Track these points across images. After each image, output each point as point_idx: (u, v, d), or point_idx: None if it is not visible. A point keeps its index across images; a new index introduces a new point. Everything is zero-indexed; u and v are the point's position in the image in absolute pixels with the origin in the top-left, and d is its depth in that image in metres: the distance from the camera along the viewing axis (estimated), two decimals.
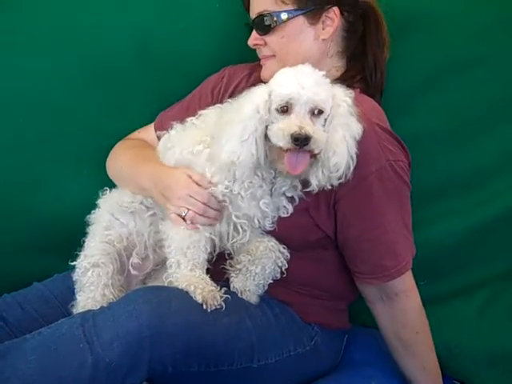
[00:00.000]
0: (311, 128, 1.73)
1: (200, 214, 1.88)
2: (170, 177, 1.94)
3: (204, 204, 1.88)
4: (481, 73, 2.26)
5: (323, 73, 1.83)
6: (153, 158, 2.06)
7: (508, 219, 2.31)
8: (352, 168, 1.79)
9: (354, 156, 1.78)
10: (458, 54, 2.26)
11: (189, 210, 1.88)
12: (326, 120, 1.79)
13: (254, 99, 1.83)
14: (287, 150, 1.75)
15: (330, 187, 1.81)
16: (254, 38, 2.04)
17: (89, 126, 2.41)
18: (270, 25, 1.98)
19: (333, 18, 1.99)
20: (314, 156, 1.77)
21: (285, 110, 1.77)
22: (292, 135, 1.72)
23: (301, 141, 1.71)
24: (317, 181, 1.80)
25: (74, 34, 2.38)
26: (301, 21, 1.98)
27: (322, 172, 1.79)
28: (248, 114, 1.81)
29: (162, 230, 1.94)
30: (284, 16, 1.97)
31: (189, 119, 2.04)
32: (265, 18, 1.99)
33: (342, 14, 2.00)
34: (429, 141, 2.26)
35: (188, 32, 2.36)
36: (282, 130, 1.75)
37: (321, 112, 1.77)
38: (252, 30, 2.04)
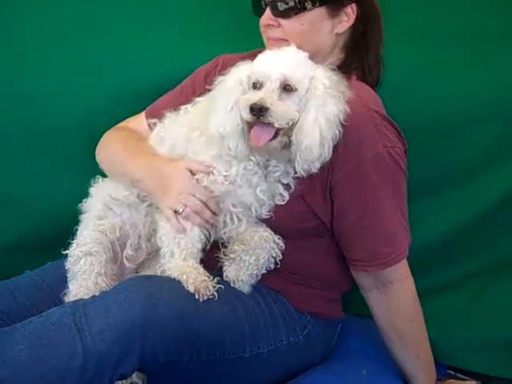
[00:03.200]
0: (271, 101, 1.74)
1: (197, 213, 1.88)
2: (171, 170, 1.93)
3: (203, 203, 1.88)
4: (475, 68, 2.27)
5: (306, 54, 1.84)
6: (148, 151, 2.04)
7: (495, 214, 2.33)
8: (330, 150, 1.78)
9: (330, 138, 1.77)
10: (453, 49, 2.28)
11: (186, 206, 1.87)
12: (301, 100, 1.79)
13: (237, 73, 1.86)
14: (254, 124, 1.77)
15: (314, 171, 1.80)
16: (268, 18, 1.99)
17: (80, 119, 2.44)
18: (293, 9, 1.95)
19: (349, 14, 1.98)
20: (286, 135, 1.79)
21: (258, 85, 1.79)
22: (250, 105, 1.74)
23: (256, 111, 1.73)
24: (298, 165, 1.80)
25: (67, 30, 2.43)
26: (322, 12, 1.96)
27: (300, 156, 1.78)
28: (230, 86, 1.85)
29: (156, 220, 1.94)
30: (309, 4, 1.95)
31: (183, 107, 2.03)
32: (289, 2, 1.95)
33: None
34: (421, 134, 2.26)
35: None
36: (244, 101, 1.77)
37: (292, 89, 1.78)
38: (263, 8, 1.99)
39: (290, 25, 1.97)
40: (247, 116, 1.76)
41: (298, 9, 1.95)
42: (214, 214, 1.90)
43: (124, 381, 1.86)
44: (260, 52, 1.95)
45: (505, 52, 2.32)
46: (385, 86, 2.07)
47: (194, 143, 1.93)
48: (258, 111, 1.73)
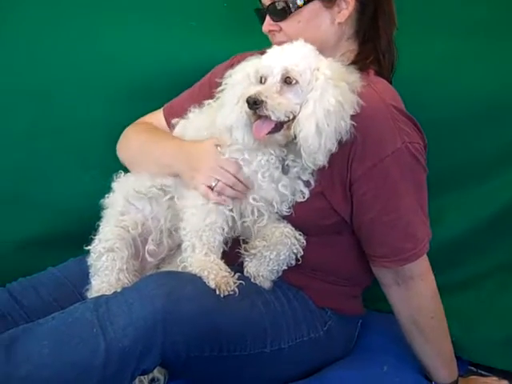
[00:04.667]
0: (268, 94, 1.75)
1: (229, 186, 1.89)
2: (198, 148, 1.95)
3: (233, 176, 1.89)
4: (494, 60, 2.25)
5: (313, 47, 1.84)
6: (172, 137, 2.08)
7: None
8: (332, 141, 1.77)
9: (330, 129, 1.76)
10: (470, 42, 2.26)
11: (219, 180, 1.88)
12: (302, 92, 1.79)
13: (245, 67, 1.88)
14: (258, 118, 1.79)
15: (320, 163, 1.81)
16: (268, 25, 2.00)
17: (100, 116, 2.47)
18: (285, 10, 1.95)
19: (348, 1, 1.95)
20: (288, 128, 1.79)
21: (262, 80, 1.81)
22: (246, 98, 1.76)
23: (251, 104, 1.75)
24: (303, 158, 1.81)
25: (87, 29, 2.46)
26: (317, 5, 1.95)
27: (303, 149, 1.79)
28: (238, 80, 1.87)
29: (179, 208, 1.94)
30: (300, 1, 1.94)
31: (206, 102, 2.04)
32: (279, 4, 1.95)
33: None
34: (440, 130, 2.25)
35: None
36: (243, 95, 1.79)
37: (294, 82, 1.78)
38: (264, 16, 2.01)
39: (288, 26, 1.97)
40: (246, 109, 1.78)
41: (290, 8, 1.94)
42: (244, 185, 1.90)
43: (146, 376, 1.89)
44: None
45: None
46: (403, 80, 2.06)
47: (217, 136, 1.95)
48: (253, 104, 1.75)
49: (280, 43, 1.93)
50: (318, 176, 1.88)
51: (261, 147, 1.86)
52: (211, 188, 1.89)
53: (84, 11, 2.47)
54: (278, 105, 1.76)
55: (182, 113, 2.09)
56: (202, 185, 1.90)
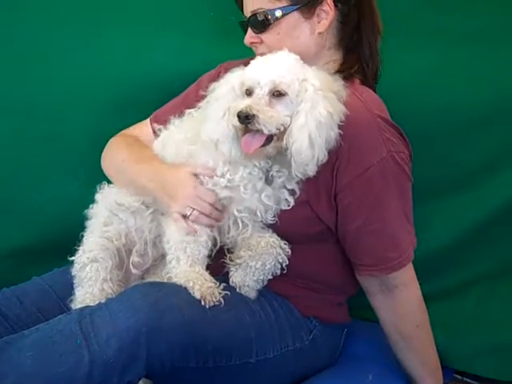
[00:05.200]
0: (259, 107, 1.74)
1: (206, 215, 1.88)
2: (175, 176, 1.93)
3: (210, 205, 1.88)
4: (478, 70, 2.26)
5: (297, 57, 1.84)
6: (152, 158, 2.05)
7: (501, 217, 2.34)
8: (323, 152, 1.77)
9: (321, 140, 1.76)
10: (455, 52, 2.27)
11: (193, 209, 1.88)
12: (292, 104, 1.79)
13: (230, 79, 1.87)
14: (247, 131, 1.77)
15: (311, 174, 1.80)
16: (250, 37, 2.01)
17: (87, 126, 2.47)
18: (264, 23, 1.95)
19: (327, 11, 1.95)
20: (281, 140, 1.78)
21: (250, 92, 1.80)
22: (237, 113, 1.74)
23: (242, 118, 1.73)
24: (294, 169, 1.80)
25: (73, 39, 2.45)
26: (296, 16, 1.95)
27: (293, 159, 1.78)
28: (223, 93, 1.86)
29: (163, 225, 1.94)
30: (278, 13, 1.94)
31: (187, 111, 2.04)
32: (259, 16, 1.95)
33: (335, 5, 1.96)
34: (425, 139, 2.26)
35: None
36: (232, 109, 1.78)
37: (282, 94, 1.77)
38: (246, 29, 2.01)
39: (268, 38, 1.97)
40: (236, 123, 1.76)
41: (269, 20, 1.94)
42: (221, 212, 1.90)
43: None
44: None
45: (508, 54, 2.31)
46: (388, 89, 2.06)
47: (199, 146, 1.93)
48: (245, 118, 1.73)
49: (262, 54, 1.93)
50: (303, 185, 1.88)
51: (246, 160, 1.85)
52: (186, 217, 1.88)
53: (72, 22, 2.47)
54: (270, 118, 1.75)
55: (167, 123, 2.08)
56: (175, 214, 1.90)
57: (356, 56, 2.02)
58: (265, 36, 1.98)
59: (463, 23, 2.32)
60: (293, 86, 1.78)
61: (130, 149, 2.15)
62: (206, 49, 2.41)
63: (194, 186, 1.90)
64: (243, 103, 1.76)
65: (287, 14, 1.94)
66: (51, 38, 2.46)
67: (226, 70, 2.10)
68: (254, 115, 1.73)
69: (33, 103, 2.48)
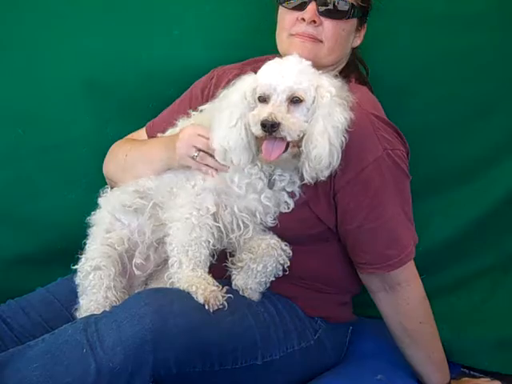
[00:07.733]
0: (282, 115, 1.73)
1: (209, 154, 1.88)
2: (180, 135, 1.94)
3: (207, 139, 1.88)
4: (474, 64, 2.26)
5: (309, 63, 1.83)
6: (156, 138, 2.09)
7: (502, 210, 2.33)
8: (339, 158, 1.77)
9: (338, 146, 1.76)
10: (451, 46, 2.27)
11: (199, 150, 1.88)
12: (308, 110, 1.78)
13: (241, 86, 1.86)
14: (265, 138, 1.76)
15: (323, 179, 1.80)
16: (315, 14, 1.95)
17: (87, 136, 2.47)
18: (345, 13, 1.95)
19: (363, 30, 2.02)
20: (296, 146, 1.78)
21: (264, 99, 1.78)
22: (261, 121, 1.73)
23: (268, 127, 1.72)
24: (306, 173, 1.80)
25: (73, 47, 2.46)
26: (354, 24, 1.99)
27: (309, 165, 1.78)
28: (235, 100, 1.84)
29: (164, 221, 1.94)
30: (355, 13, 1.96)
31: (192, 112, 2.05)
32: (344, 6, 1.94)
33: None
34: (424, 134, 2.27)
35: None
36: (254, 117, 1.76)
37: (300, 100, 1.77)
38: (304, 2, 1.95)
39: (333, 27, 1.95)
40: (258, 132, 1.75)
41: (352, 14, 1.95)
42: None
43: None
44: (255, 61, 1.96)
45: (508, 44, 2.31)
46: (386, 85, 2.07)
47: None
48: (271, 127, 1.71)
49: (303, 35, 1.94)
50: (302, 187, 1.88)
51: (252, 166, 1.86)
52: (194, 158, 1.89)
53: (66, 27, 2.47)
54: (293, 125, 1.74)
55: (163, 130, 2.10)
56: (186, 157, 1.90)
57: (353, 57, 2.06)
58: (331, 24, 1.95)
59: (463, 11, 2.31)
60: (309, 92, 1.78)
61: (131, 143, 2.18)
62: (200, 54, 2.40)
63: (192, 129, 1.92)
64: (265, 111, 1.74)
65: (355, 17, 1.97)
66: (49, 49, 2.47)
67: (219, 76, 2.13)
68: (279, 123, 1.72)
69: (31, 113, 2.49)
